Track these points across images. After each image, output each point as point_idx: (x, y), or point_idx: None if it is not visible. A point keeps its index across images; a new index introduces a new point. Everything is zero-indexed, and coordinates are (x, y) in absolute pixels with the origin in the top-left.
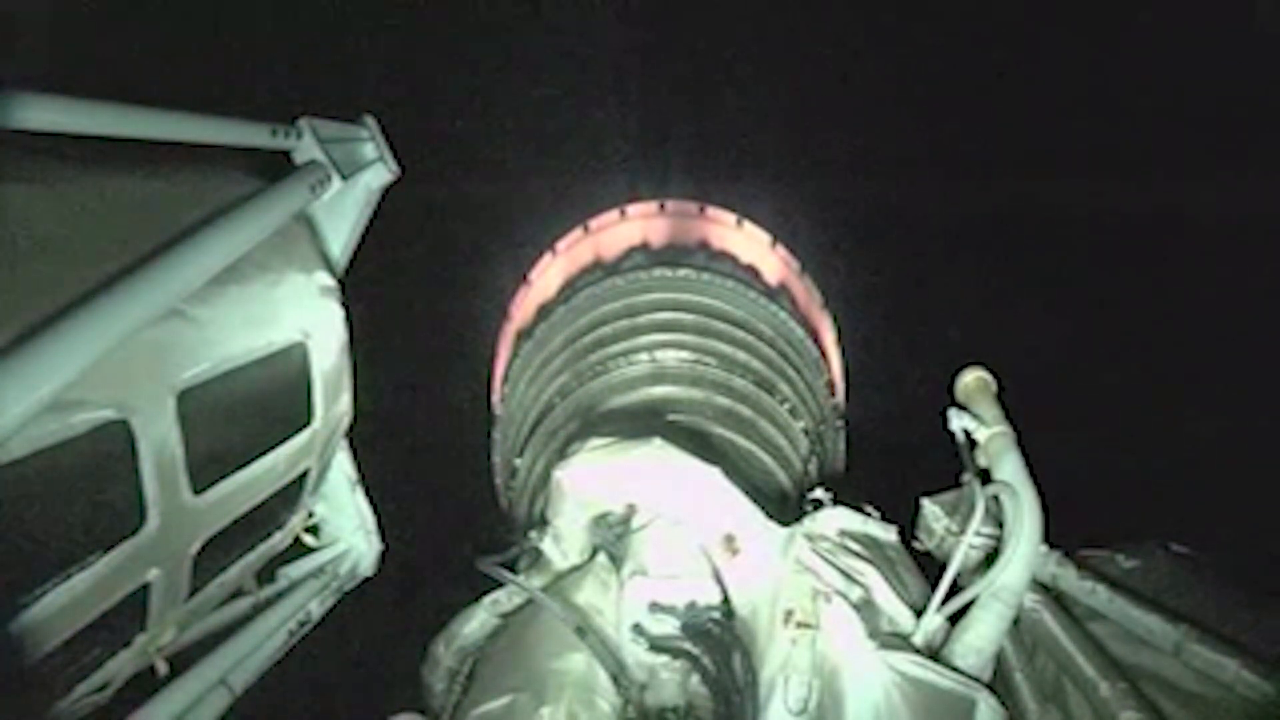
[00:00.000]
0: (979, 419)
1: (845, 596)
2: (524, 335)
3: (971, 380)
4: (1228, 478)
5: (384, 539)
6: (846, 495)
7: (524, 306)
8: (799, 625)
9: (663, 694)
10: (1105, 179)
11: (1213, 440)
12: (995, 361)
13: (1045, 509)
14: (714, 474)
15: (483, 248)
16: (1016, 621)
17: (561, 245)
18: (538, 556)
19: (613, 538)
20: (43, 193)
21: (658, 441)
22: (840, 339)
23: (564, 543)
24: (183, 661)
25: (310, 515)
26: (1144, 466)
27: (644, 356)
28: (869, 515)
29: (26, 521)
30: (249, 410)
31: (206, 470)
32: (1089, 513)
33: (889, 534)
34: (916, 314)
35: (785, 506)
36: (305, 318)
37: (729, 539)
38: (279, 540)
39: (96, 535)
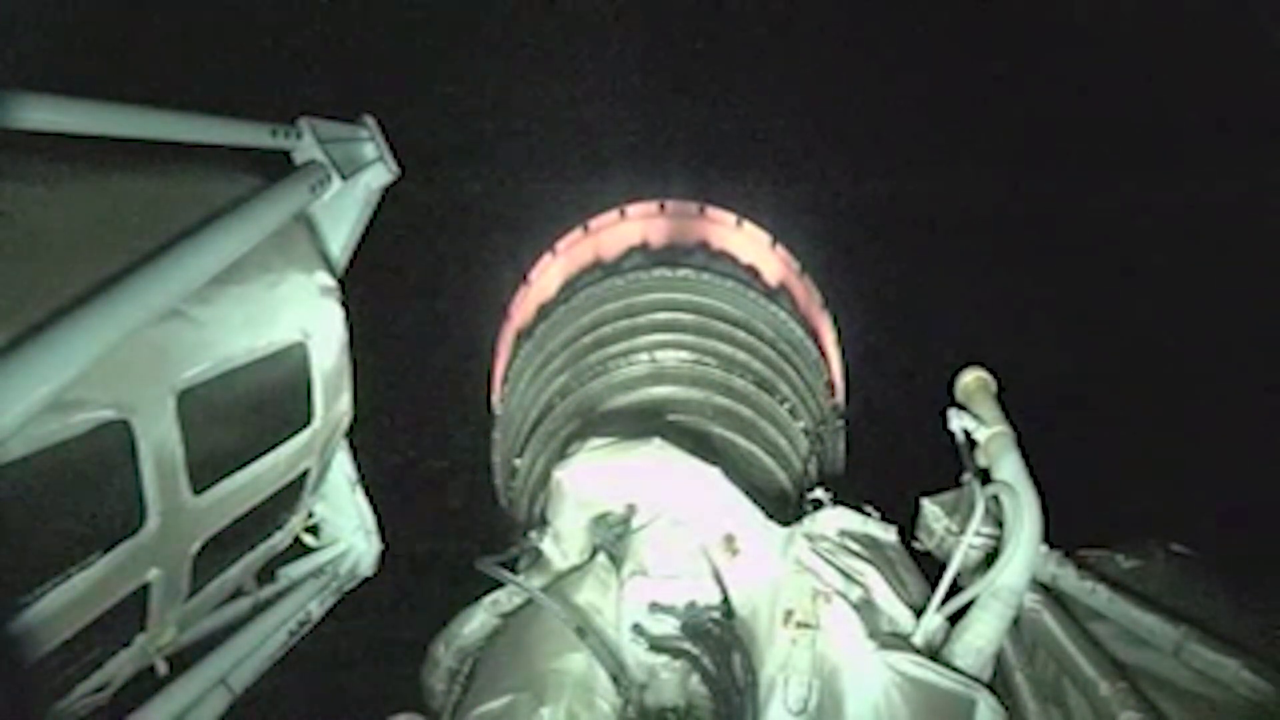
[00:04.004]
0: (979, 419)
1: (845, 596)
2: (524, 335)
3: (971, 380)
4: (1228, 478)
5: (384, 539)
6: (846, 495)
7: (524, 306)
8: (799, 625)
9: (663, 694)
10: (1107, 178)
11: (1213, 440)
12: (995, 361)
13: (1045, 509)
14: (714, 474)
15: (483, 248)
16: (1016, 621)
17: (561, 245)
18: (538, 556)
19: (613, 538)
20: (43, 193)
21: (658, 441)
22: (840, 339)
23: (564, 543)
24: (183, 661)
25: (310, 515)
26: (1144, 466)
27: (644, 357)
28: (869, 515)
29: (26, 521)
30: (249, 410)
31: (206, 470)
32: (1089, 513)
33: (889, 534)
34: (916, 314)
35: (785, 506)
36: (305, 318)
37: (729, 539)
38: (279, 540)
39: (96, 535)
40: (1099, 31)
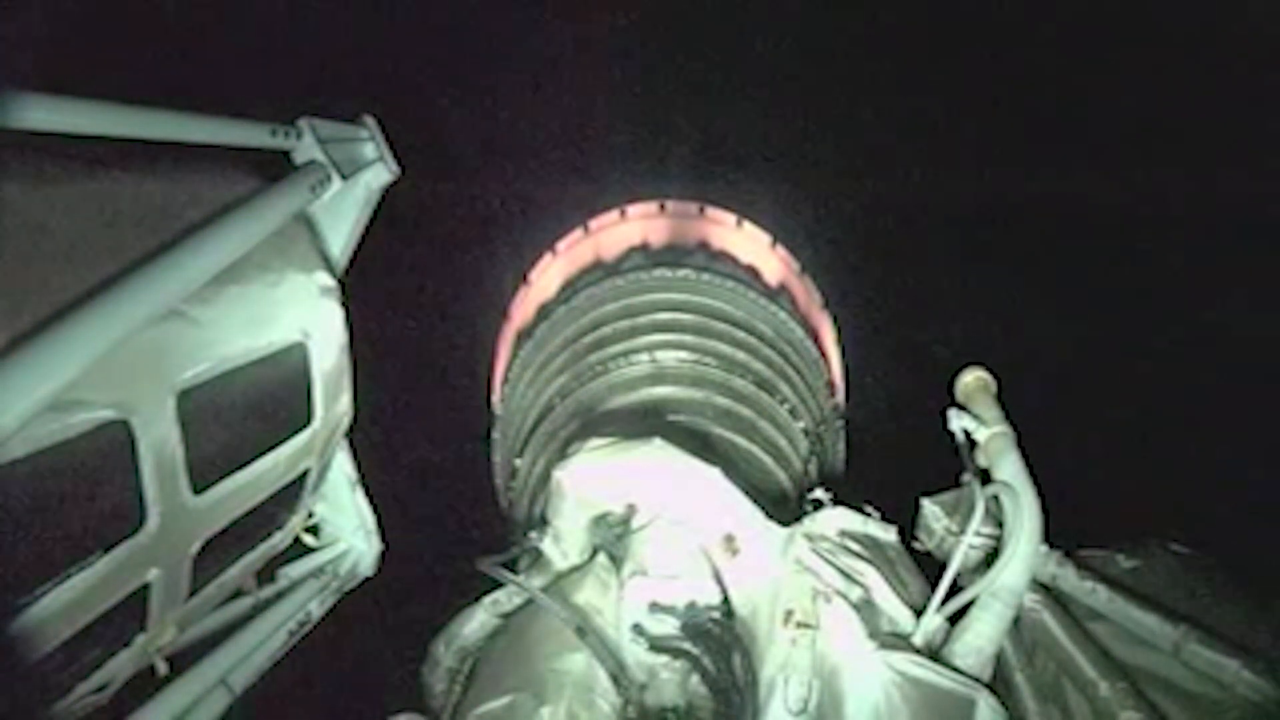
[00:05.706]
0: (979, 419)
1: (845, 596)
2: (524, 335)
3: (971, 380)
4: (1228, 478)
5: (384, 539)
6: (846, 495)
7: (524, 307)
8: (799, 625)
9: (663, 694)
10: (1105, 177)
11: (1213, 440)
12: (995, 361)
13: (1045, 509)
14: (714, 474)
15: (483, 248)
16: (1016, 621)
17: (561, 245)
18: (538, 556)
19: (613, 538)
20: (43, 193)
21: (658, 442)
22: (840, 339)
23: (564, 543)
24: (183, 661)
25: (310, 515)
26: (1144, 466)
27: (644, 357)
28: (869, 515)
29: (26, 521)
30: (249, 410)
31: (206, 470)
32: (1089, 513)
33: (889, 534)
34: (916, 314)
35: (785, 506)
36: (305, 318)
37: (729, 539)
38: (279, 540)
39: (96, 535)
40: (1097, 30)
